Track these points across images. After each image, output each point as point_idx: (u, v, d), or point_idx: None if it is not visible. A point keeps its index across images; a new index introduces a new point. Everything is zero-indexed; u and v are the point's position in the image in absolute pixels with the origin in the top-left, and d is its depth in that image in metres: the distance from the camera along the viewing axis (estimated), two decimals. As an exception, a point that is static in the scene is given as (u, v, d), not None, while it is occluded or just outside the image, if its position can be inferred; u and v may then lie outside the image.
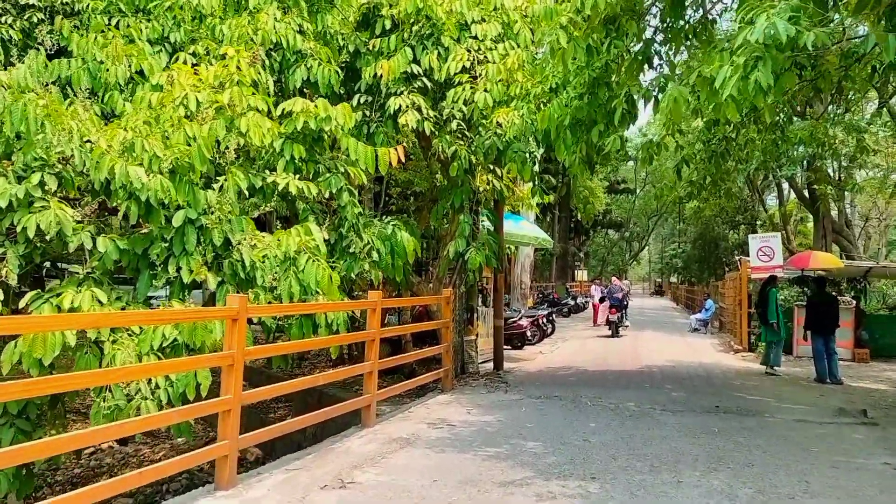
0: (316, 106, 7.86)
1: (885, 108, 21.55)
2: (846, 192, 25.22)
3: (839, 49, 10.48)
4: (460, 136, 9.74)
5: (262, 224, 14.55)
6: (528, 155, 9.35)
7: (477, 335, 13.75)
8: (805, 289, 17.05)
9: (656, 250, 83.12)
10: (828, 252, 19.70)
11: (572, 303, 32.22)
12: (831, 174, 20.21)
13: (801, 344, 15.01)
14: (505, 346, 17.02)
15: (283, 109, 7.92)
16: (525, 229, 14.53)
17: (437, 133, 9.53)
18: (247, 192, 7.10)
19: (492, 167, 10.64)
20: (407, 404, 8.85)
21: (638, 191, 69.11)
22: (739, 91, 4.94)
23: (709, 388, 10.59)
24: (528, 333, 17.43)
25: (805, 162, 19.95)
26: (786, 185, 35.47)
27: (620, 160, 55.66)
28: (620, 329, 21.09)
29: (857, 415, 8.27)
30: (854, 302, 15.30)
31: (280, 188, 7.54)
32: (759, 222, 39.89)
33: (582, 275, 58.25)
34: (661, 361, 13.98)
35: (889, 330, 15.85)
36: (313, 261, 7.05)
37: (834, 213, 25.03)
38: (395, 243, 8.91)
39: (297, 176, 7.77)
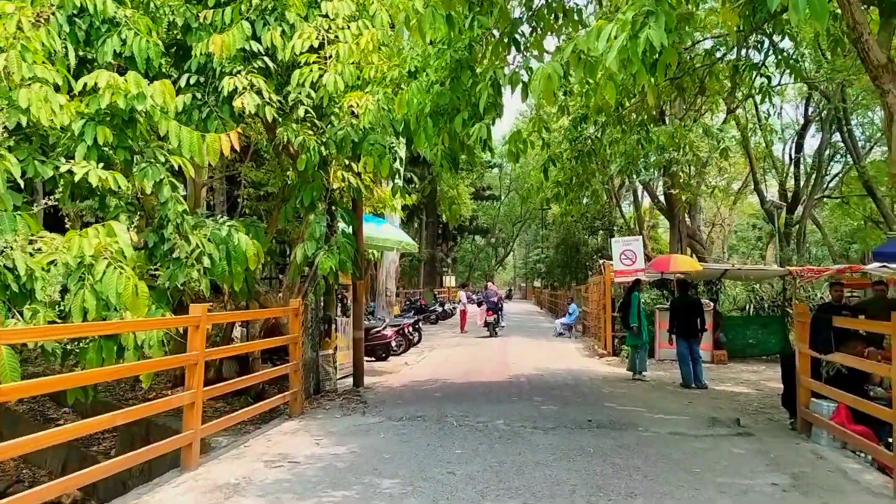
0: (126, 80, 6.48)
1: (732, 117, 22.60)
2: (699, 198, 26.38)
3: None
4: (310, 125, 8.59)
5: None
6: (386, 148, 8.35)
7: (336, 348, 12.59)
8: (665, 291, 17.31)
9: (521, 255, 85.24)
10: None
11: (440, 309, 31.68)
12: (685, 180, 20.81)
13: (663, 347, 15.07)
14: (368, 358, 15.95)
15: (86, 84, 6.47)
16: (388, 233, 13.56)
17: (280, 121, 8.34)
18: (22, 182, 5.61)
19: (348, 162, 9.56)
20: (248, 435, 7.58)
21: (503, 197, 70.43)
22: (622, 64, 4.22)
23: (578, 398, 10.06)
24: (393, 343, 16.47)
25: (662, 168, 20.40)
26: (639, 191, 36.93)
27: (486, 165, 56.28)
28: (497, 329, 22.93)
29: (731, 424, 7.93)
30: (712, 304, 15.56)
31: (77, 178, 6.09)
32: (616, 228, 41.39)
33: (450, 280, 58.15)
34: (529, 370, 13.44)
35: (741, 331, 16.29)
36: (115, 268, 5.67)
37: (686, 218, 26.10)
38: (231, 247, 7.65)
39: (102, 164, 6.36)
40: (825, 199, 34.75)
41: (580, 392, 10.62)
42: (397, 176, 9.90)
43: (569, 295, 30.84)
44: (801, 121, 32.30)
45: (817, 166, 27.78)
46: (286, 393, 8.34)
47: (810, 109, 30.34)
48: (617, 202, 34.10)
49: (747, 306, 18.08)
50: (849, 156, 30.73)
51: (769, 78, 10.00)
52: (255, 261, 7.95)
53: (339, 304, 14.46)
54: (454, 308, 36.12)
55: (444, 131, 7.42)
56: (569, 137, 10.96)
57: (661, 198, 24.25)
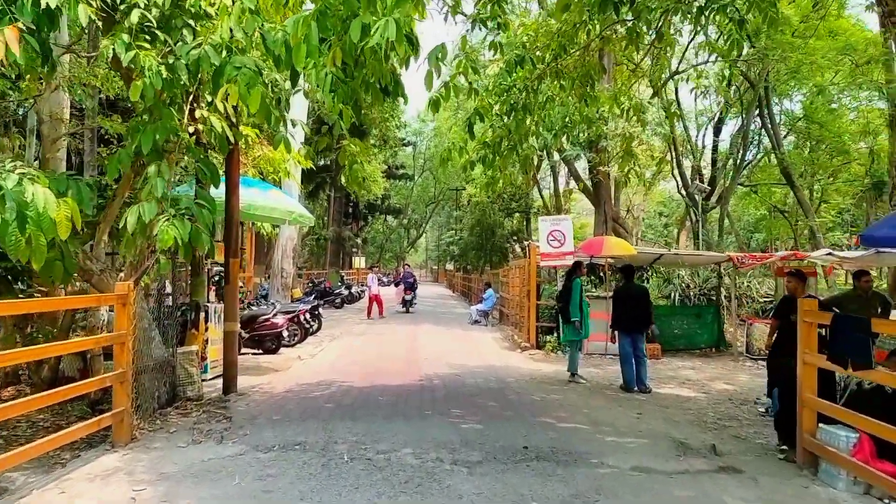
0: None
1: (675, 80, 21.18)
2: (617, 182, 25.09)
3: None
4: (151, 39, 6.14)
5: None
6: (258, 73, 6.01)
7: (206, 342, 10.24)
8: (592, 277, 15.72)
9: (433, 238, 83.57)
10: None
11: (346, 292, 29.24)
12: (618, 154, 19.26)
13: (592, 340, 13.39)
14: (255, 351, 13.56)
15: None
16: (276, 201, 11.07)
17: (102, 28, 5.88)
18: None
19: (211, 99, 7.12)
20: (56, 471, 5.21)
21: (417, 177, 68.49)
22: None
23: (507, 409, 8.09)
24: (285, 333, 14.13)
25: (590, 143, 18.80)
26: (559, 171, 35.59)
27: (400, 142, 53.91)
28: (411, 307, 25.49)
29: (707, 452, 6.12)
30: (646, 293, 14.00)
31: None
32: (533, 210, 40.11)
33: (360, 262, 55.51)
34: (443, 367, 11.42)
35: (667, 322, 14.86)
36: None
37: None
38: (24, 207, 5.21)
39: None
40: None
41: (507, 400, 8.66)
42: (282, 125, 7.62)
43: (483, 279, 29.11)
44: (720, 105, 31.81)
45: (742, 150, 27.00)
46: (102, 416, 5.92)
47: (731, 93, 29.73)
48: (535, 182, 32.54)
49: (672, 295, 16.77)
50: (761, 144, 30.41)
51: (742, 21, 8.25)
52: (68, 227, 5.51)
53: (215, 288, 11.97)
54: (362, 291, 33.76)
55: (336, 47, 5.18)
56: (500, 88, 8.91)
57: (587, 180, 22.67)
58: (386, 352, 13.69)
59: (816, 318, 5.33)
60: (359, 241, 53.80)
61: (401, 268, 27.82)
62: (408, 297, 25.52)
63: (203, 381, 9.87)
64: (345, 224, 43.88)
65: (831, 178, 30.97)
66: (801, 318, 5.41)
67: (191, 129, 6.90)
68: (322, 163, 32.41)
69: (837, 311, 7.65)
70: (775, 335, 6.92)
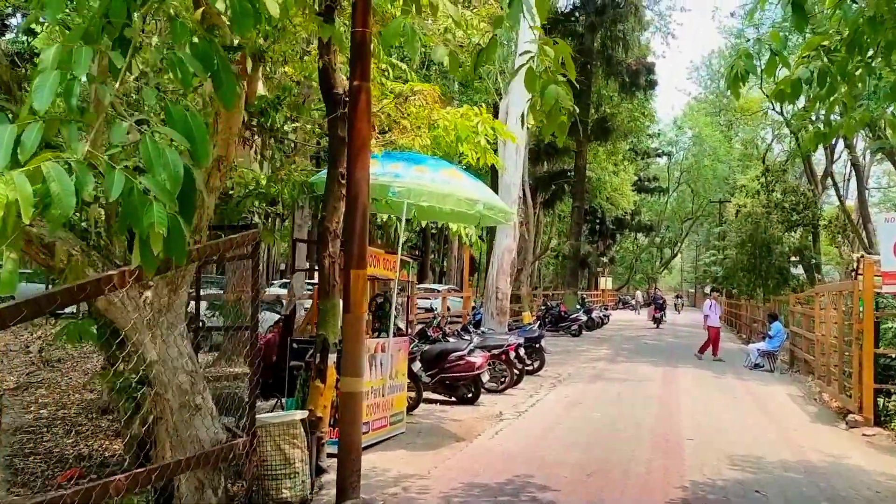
0: None
1: None
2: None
3: None
4: None
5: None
6: None
7: (335, 400, 6.73)
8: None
9: (688, 258, 75.44)
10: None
11: (585, 318, 24.69)
12: None
13: None
14: (447, 398, 10.08)
15: None
16: (452, 184, 7.26)
17: None
18: None
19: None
20: None
21: (671, 191, 61.62)
22: None
23: None
24: (485, 377, 10.35)
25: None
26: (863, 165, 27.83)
27: (653, 153, 48.52)
28: (660, 325, 29.05)
29: None
30: None
31: None
32: (822, 222, 32.69)
33: (606, 282, 50.46)
34: (721, 463, 6.72)
35: None
36: None
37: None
38: None
39: None
40: None
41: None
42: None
43: (762, 307, 22.88)
44: None
45: None
46: None
47: None
48: (834, 184, 25.41)
49: None
50: None
51: None
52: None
53: (375, 312, 8.51)
54: (606, 316, 29.08)
55: None
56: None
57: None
58: (625, 414, 9.24)
59: None
60: (605, 259, 48.98)
61: (650, 290, 28.43)
62: (657, 316, 29.37)
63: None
64: (590, 241, 39.59)
65: None
66: None
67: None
68: (559, 167, 28.60)
69: None
70: None
